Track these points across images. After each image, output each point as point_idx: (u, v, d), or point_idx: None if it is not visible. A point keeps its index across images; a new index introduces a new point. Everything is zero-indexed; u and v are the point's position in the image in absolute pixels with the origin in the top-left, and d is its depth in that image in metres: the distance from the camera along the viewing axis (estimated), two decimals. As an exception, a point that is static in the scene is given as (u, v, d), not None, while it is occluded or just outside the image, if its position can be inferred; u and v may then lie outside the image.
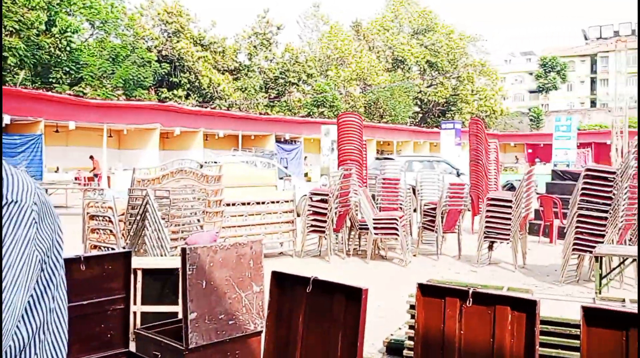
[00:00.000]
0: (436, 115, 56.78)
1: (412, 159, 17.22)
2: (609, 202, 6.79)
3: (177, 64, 37.18)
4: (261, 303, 3.75)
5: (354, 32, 52.27)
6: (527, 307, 2.60)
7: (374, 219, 8.39)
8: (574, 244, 7.01)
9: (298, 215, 9.44)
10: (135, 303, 4.45)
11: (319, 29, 53.24)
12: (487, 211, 8.15)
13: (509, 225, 7.97)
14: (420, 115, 57.75)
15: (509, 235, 8.00)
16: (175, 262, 4.60)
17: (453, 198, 8.79)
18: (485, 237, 8.23)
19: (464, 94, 55.07)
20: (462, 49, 53.89)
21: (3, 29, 24.44)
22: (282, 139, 32.93)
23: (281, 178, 11.32)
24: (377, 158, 17.73)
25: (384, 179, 9.97)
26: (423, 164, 17.01)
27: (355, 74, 46.23)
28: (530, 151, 52.33)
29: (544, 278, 7.61)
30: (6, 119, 17.45)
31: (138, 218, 6.29)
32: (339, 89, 46.01)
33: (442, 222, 8.91)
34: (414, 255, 9.11)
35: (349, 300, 2.84)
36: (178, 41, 36.81)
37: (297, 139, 33.99)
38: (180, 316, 4.02)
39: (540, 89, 67.85)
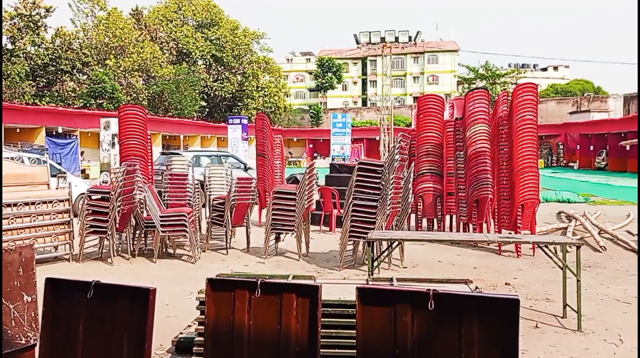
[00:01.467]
0: (223, 110, 57.05)
1: (200, 154, 17.08)
2: (378, 192, 7.54)
3: None
4: (34, 314, 3.39)
5: (135, 21, 49.80)
6: (310, 293, 2.78)
7: (160, 216, 8.14)
8: (350, 231, 7.66)
9: (75, 216, 8.72)
10: None
11: (95, 14, 49.57)
12: (274, 204, 8.46)
13: (294, 216, 8.39)
14: (208, 109, 57.50)
15: (293, 225, 8.42)
16: None
17: (241, 192, 8.94)
18: (272, 229, 8.54)
19: (250, 90, 56.27)
20: (246, 46, 54.91)
21: None
22: (55, 133, 30.00)
23: (54, 176, 10.30)
24: (163, 153, 17.20)
25: (170, 174, 9.72)
26: (211, 159, 16.96)
27: (137, 65, 44.15)
28: (311, 146, 55.71)
29: (325, 264, 8.18)
30: None
31: None
32: (119, 79, 43.50)
33: (231, 216, 9.00)
34: (204, 251, 9.06)
35: (135, 302, 2.73)
36: None
37: (72, 132, 31.26)
38: None
39: (319, 87, 72.44)
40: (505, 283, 6.98)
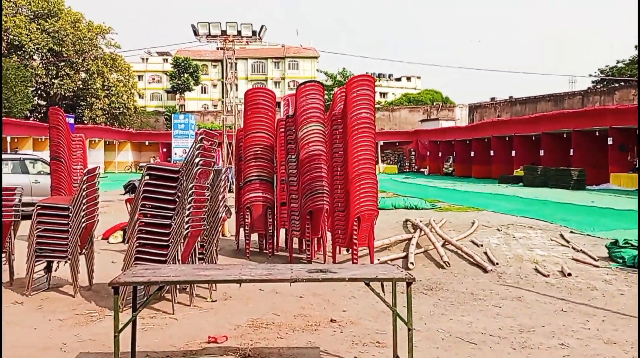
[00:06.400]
0: (64, 109, 51.53)
1: (-5, 158, 13.98)
2: (172, 206, 5.76)
3: None
4: None
5: (-46, 6, 43.10)
6: None
7: None
8: (137, 259, 5.78)
9: None
10: None
11: None
12: (38, 222, 6.32)
13: (67, 238, 6.32)
14: (46, 109, 51.64)
15: (66, 251, 6.34)
16: None
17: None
18: (36, 256, 6.38)
19: (95, 89, 51.51)
20: (89, 40, 50.08)
21: None
22: None
23: None
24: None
25: None
26: (12, 164, 14.03)
27: (-49, 56, 38.03)
28: (165, 149, 52.20)
29: (109, 301, 6.20)
30: None
31: None
32: None
33: (-19, 240, 6.67)
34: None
35: None
36: None
37: None
38: None
39: (175, 89, 68.69)
40: (331, 320, 5.53)
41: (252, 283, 3.68)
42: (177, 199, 5.73)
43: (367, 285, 3.79)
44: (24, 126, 39.55)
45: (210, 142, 6.02)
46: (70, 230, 6.31)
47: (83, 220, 6.36)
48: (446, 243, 9.71)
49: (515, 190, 24.59)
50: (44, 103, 52.34)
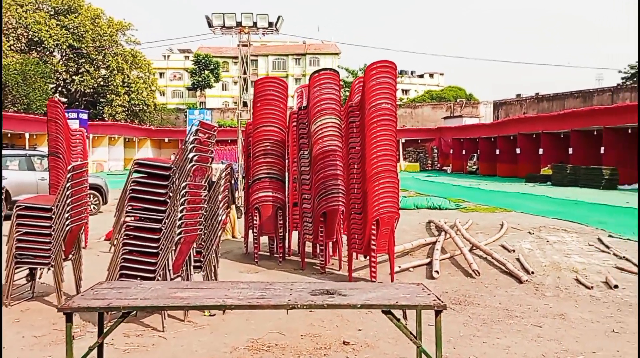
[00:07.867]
0: (84, 106, 51.48)
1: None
2: (163, 208, 5.04)
3: None
4: None
5: (-25, 2, 43.09)
6: None
7: None
8: (122, 268, 5.07)
9: None
10: None
11: None
12: (18, 224, 5.66)
13: (49, 243, 5.64)
14: (66, 105, 51.64)
15: (49, 257, 5.67)
16: None
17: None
18: (17, 262, 5.72)
19: (115, 86, 51.30)
20: (109, 37, 49.84)
21: None
22: None
23: None
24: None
25: None
26: (18, 160, 13.50)
27: (-27, 52, 37.97)
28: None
29: (95, 314, 5.51)
30: None
31: None
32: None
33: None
34: None
35: None
36: None
37: None
38: None
39: (196, 86, 68.33)
40: (344, 342, 4.76)
41: (238, 309, 2.94)
42: (167, 200, 5.01)
43: (386, 312, 3.01)
44: (43, 122, 39.39)
45: (207, 135, 5.28)
46: (53, 233, 5.64)
47: (68, 222, 5.68)
48: (474, 247, 8.88)
49: (544, 190, 23.52)
50: (65, 100, 52.28)
